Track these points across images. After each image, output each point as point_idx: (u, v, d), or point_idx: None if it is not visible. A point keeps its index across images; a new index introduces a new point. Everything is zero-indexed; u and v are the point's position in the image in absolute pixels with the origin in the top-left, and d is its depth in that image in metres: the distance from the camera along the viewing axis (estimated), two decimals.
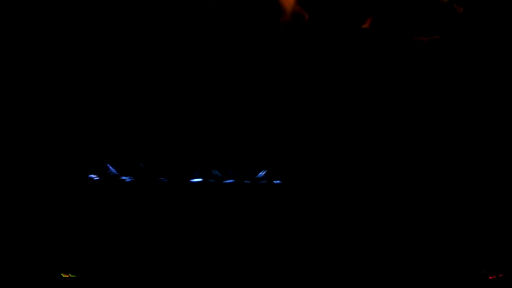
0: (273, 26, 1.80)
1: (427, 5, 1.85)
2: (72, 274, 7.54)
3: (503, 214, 7.00)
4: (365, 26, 2.02)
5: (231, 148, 8.64)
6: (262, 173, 8.42)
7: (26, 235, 7.84)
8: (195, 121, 8.73)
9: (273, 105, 1.88)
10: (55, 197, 8.55)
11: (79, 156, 8.80)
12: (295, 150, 2.04)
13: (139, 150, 8.91)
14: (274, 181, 8.14)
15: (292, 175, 2.16)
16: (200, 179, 8.72)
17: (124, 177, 8.84)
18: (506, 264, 6.38)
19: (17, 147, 8.28)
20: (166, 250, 8.17)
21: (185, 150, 8.81)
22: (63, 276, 7.47)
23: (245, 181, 8.56)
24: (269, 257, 7.35)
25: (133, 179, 8.85)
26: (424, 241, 6.73)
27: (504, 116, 6.73)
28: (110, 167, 8.90)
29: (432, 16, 1.84)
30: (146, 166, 8.88)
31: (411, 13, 2.00)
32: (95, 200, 8.76)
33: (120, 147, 8.90)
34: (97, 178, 8.83)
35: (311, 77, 1.78)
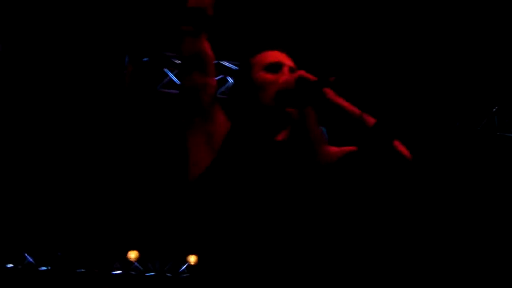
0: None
1: (340, 117, 1.99)
2: None
3: None
4: (280, 137, 2.13)
5: (152, 240, 8.66)
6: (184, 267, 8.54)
7: None
8: (116, 211, 8.69)
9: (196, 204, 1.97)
10: None
11: None
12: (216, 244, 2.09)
13: (57, 239, 8.75)
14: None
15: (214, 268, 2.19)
16: (120, 271, 8.69)
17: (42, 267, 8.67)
18: None
19: None
20: None
21: (105, 240, 8.74)
22: None
23: (167, 274, 8.65)
24: None
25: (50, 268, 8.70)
26: None
27: None
28: (27, 256, 8.71)
29: (345, 129, 2.00)
30: (64, 255, 8.75)
31: (324, 126, 2.15)
32: None
33: (37, 235, 8.72)
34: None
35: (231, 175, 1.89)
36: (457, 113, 6.72)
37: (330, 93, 2.21)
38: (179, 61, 5.70)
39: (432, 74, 6.45)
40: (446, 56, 6.25)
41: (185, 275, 8.49)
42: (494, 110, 6.73)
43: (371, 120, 2.21)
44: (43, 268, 8.60)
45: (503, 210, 7.73)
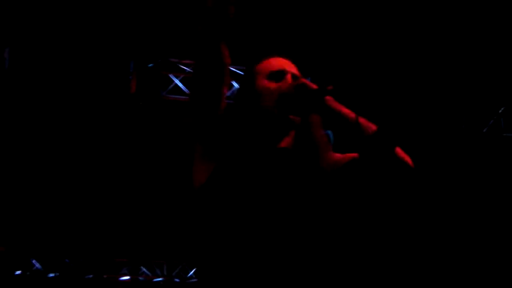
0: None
1: (342, 125, 1.99)
2: None
3: None
4: (284, 145, 2.11)
5: (160, 245, 8.67)
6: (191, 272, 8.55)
7: None
8: (123, 217, 8.69)
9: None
10: None
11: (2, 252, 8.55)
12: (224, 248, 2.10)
13: (64, 245, 8.77)
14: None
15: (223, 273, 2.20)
16: (128, 277, 8.71)
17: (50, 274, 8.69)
18: None
19: None
20: None
21: (113, 246, 8.75)
22: None
23: (175, 280, 8.66)
24: None
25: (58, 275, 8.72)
26: None
27: None
28: (35, 263, 8.73)
29: (347, 135, 1.99)
30: (72, 262, 8.76)
31: (327, 133, 2.15)
32: None
33: (45, 242, 8.74)
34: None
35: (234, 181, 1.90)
36: (463, 115, 6.71)
37: (331, 100, 2.22)
38: (190, 67, 5.70)
39: (437, 77, 6.44)
40: (450, 58, 6.24)
41: (193, 280, 8.50)
42: (500, 111, 6.71)
43: (372, 127, 2.21)
44: (51, 274, 8.62)
45: (510, 212, 7.70)
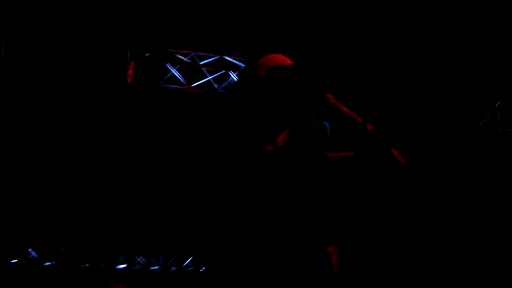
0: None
1: (339, 123, 1.99)
2: None
3: None
4: (280, 140, 2.11)
5: (157, 234, 8.68)
6: (188, 261, 8.56)
7: None
8: (121, 205, 8.70)
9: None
10: None
11: None
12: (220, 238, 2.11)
13: (61, 234, 8.77)
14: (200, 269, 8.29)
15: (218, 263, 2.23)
16: (124, 265, 8.72)
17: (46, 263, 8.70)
18: None
19: None
20: None
21: (109, 235, 8.76)
22: None
23: (171, 268, 8.67)
24: None
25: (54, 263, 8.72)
26: None
27: None
28: (31, 252, 8.73)
29: (344, 134, 2.00)
30: (68, 250, 8.77)
31: (323, 131, 2.15)
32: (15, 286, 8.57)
33: (41, 231, 8.73)
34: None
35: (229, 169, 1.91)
36: (459, 109, 6.71)
37: (331, 98, 2.23)
38: (186, 57, 5.65)
39: (433, 71, 6.45)
40: (446, 52, 6.24)
41: (189, 269, 8.51)
42: (496, 105, 6.71)
43: (369, 127, 2.23)
44: (48, 263, 8.62)
45: (506, 207, 7.71)
